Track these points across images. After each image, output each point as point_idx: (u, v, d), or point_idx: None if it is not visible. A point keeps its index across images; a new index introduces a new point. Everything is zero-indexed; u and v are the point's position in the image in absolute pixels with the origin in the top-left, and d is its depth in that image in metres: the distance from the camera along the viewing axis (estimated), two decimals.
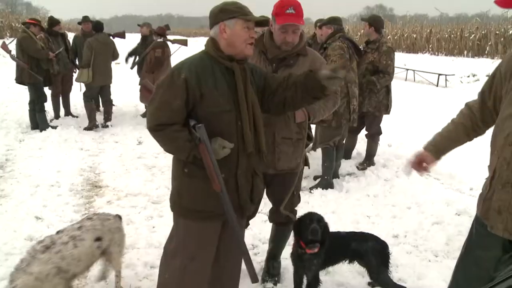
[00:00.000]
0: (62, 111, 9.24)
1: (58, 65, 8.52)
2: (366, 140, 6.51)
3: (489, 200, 2.24)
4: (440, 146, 2.51)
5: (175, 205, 2.62)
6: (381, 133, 6.39)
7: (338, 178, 5.93)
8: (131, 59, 9.52)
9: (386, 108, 6.16)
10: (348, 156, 6.63)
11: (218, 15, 2.48)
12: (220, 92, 2.45)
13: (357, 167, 6.27)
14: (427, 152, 2.53)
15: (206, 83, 2.41)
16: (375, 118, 6.22)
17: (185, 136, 2.39)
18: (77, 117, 9.31)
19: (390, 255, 3.28)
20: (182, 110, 2.40)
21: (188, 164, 2.48)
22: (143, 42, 9.24)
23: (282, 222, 3.42)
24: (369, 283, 3.49)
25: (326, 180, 5.63)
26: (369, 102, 6.03)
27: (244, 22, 2.46)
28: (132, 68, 9.40)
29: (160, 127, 2.39)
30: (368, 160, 6.38)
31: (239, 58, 2.50)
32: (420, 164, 2.56)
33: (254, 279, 2.54)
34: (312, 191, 5.50)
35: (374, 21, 6.10)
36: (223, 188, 2.41)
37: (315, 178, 5.93)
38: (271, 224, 3.59)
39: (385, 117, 6.36)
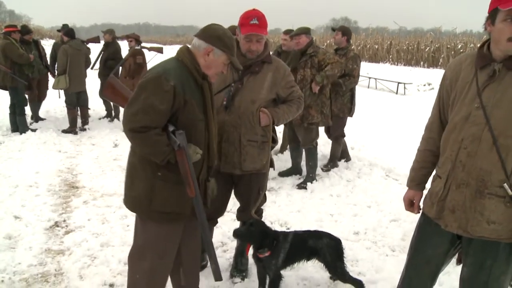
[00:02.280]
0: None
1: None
2: (330, 142, 6.56)
3: (442, 201, 2.28)
4: (418, 179, 2.53)
5: (142, 208, 2.52)
6: (344, 135, 6.44)
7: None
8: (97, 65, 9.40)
9: (349, 111, 6.24)
10: None
11: (214, 39, 2.46)
12: (196, 101, 2.45)
13: (322, 169, 6.30)
14: (411, 190, 2.55)
15: (188, 91, 2.40)
16: (339, 119, 6.24)
17: (165, 140, 2.35)
18: (44, 119, 9.11)
19: (343, 251, 3.31)
20: (166, 115, 2.36)
21: (161, 168, 2.43)
22: (106, 48, 9.14)
23: (239, 219, 3.44)
24: (330, 277, 3.50)
25: (311, 177, 5.77)
26: (335, 103, 6.07)
27: (227, 59, 2.50)
28: (111, 74, 9.22)
29: (144, 129, 2.31)
30: (332, 162, 6.42)
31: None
32: (411, 204, 2.56)
33: (217, 278, 2.58)
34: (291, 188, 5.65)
35: (346, 31, 6.24)
36: (198, 194, 2.41)
37: (280, 174, 6.06)
38: (239, 222, 3.58)
39: (348, 121, 6.42)
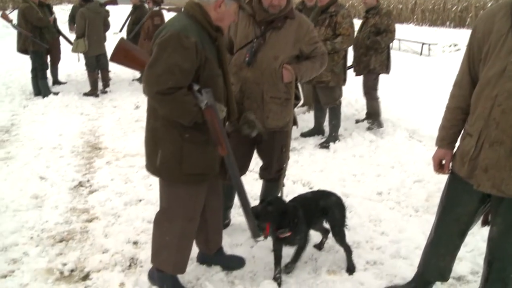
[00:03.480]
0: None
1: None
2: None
3: (474, 160, 2.21)
4: (449, 138, 2.44)
5: (173, 172, 2.47)
6: (377, 89, 6.29)
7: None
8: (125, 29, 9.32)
9: (386, 67, 6.14)
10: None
11: None
12: (213, 56, 2.40)
13: (369, 127, 6.20)
14: (442, 149, 2.47)
15: (207, 47, 2.34)
16: (377, 76, 6.17)
17: (192, 100, 2.29)
18: (65, 83, 9.14)
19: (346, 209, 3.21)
20: (191, 74, 2.29)
21: (188, 129, 2.38)
22: (134, 11, 9.06)
23: (272, 178, 3.40)
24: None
25: (334, 137, 5.73)
26: (375, 61, 6.00)
27: (237, 8, 2.45)
28: (130, 36, 9.16)
29: (171, 91, 2.23)
30: (374, 119, 6.27)
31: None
32: (440, 164, 2.49)
33: (255, 235, 2.63)
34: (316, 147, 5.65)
35: None
36: (230, 152, 2.40)
37: (302, 134, 6.03)
38: (261, 181, 3.57)
39: (383, 78, 6.32)
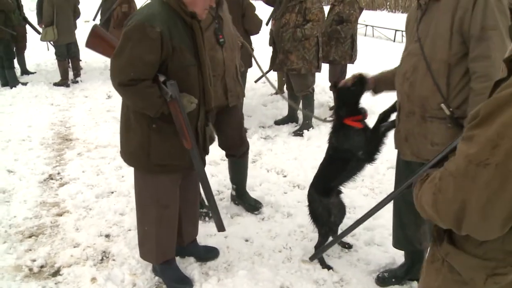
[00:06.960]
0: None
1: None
2: (326, 90, 6.45)
3: (398, 132, 2.44)
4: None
5: (141, 162, 2.48)
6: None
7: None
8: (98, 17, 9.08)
9: (350, 57, 6.10)
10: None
11: None
12: (186, 46, 2.33)
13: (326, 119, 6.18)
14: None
15: (176, 36, 2.27)
16: (340, 66, 6.15)
17: (156, 92, 2.24)
18: (34, 72, 8.87)
19: None
20: (156, 65, 2.24)
21: (156, 120, 2.34)
22: None
23: (241, 153, 3.57)
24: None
25: (308, 124, 5.72)
26: (336, 51, 5.98)
27: None
28: (100, 24, 8.96)
29: (133, 82, 2.20)
30: None
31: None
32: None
33: (220, 228, 2.66)
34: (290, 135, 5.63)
35: None
36: (194, 145, 2.37)
37: (276, 122, 5.99)
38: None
39: (348, 68, 6.26)
